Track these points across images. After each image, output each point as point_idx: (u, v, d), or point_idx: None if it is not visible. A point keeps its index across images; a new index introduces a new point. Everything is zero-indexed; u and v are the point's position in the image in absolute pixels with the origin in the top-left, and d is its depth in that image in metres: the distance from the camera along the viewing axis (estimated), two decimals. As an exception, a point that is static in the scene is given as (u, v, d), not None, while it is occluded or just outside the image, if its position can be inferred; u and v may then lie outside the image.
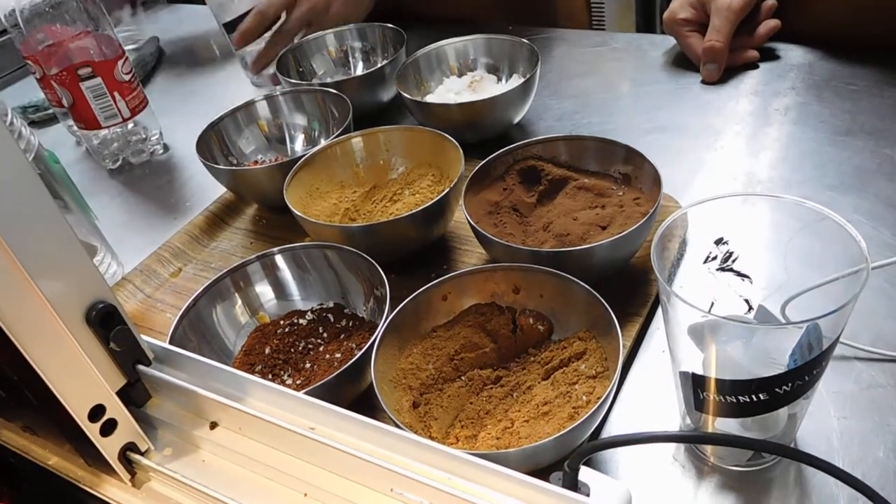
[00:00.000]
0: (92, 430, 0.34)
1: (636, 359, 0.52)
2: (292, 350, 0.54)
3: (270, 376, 0.52)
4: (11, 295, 0.30)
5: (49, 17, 0.74)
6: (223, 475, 0.35)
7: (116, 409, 0.35)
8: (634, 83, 0.84)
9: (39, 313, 0.31)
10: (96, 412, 0.34)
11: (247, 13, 0.88)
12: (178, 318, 0.51)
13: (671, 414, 0.47)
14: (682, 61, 0.84)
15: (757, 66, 0.80)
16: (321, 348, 0.54)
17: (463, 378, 0.50)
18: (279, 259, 0.56)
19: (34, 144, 0.57)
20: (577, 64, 0.89)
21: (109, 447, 0.35)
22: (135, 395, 0.37)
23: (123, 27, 1.22)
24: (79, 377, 0.33)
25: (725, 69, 0.79)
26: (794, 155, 0.68)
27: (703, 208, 0.42)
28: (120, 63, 0.77)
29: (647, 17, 1.88)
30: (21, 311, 0.31)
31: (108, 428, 0.35)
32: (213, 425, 0.37)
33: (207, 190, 0.77)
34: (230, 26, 0.90)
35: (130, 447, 0.36)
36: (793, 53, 0.81)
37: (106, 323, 0.34)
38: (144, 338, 0.37)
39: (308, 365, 0.53)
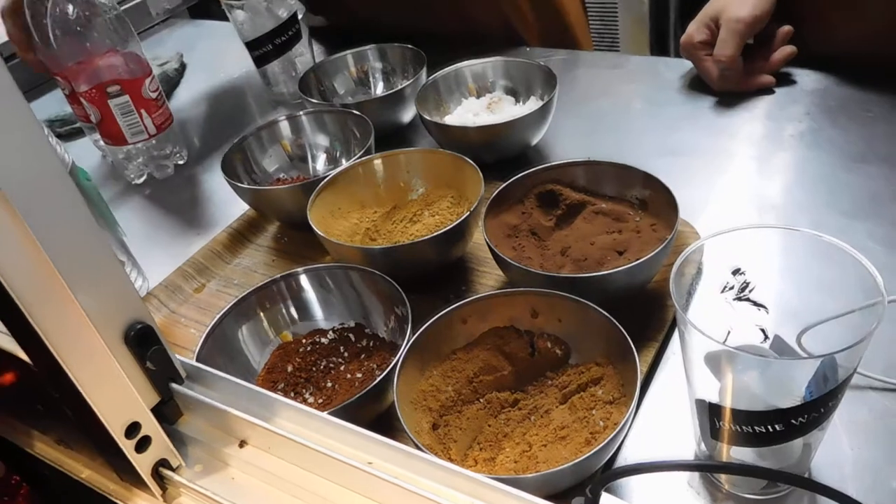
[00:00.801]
0: (127, 447, 0.35)
1: (651, 383, 0.53)
2: (314, 368, 0.55)
3: (292, 394, 0.54)
4: (57, 315, 0.32)
5: (79, 35, 0.76)
6: (252, 493, 0.36)
7: (151, 426, 0.36)
8: (650, 105, 0.85)
9: (82, 332, 0.33)
10: (132, 429, 0.35)
11: (269, 32, 0.90)
12: (204, 335, 0.53)
13: (686, 439, 0.48)
14: (697, 84, 0.85)
15: (772, 91, 0.81)
16: (342, 367, 0.55)
17: (481, 400, 0.51)
18: (304, 279, 0.58)
19: (68, 161, 0.59)
20: (593, 85, 0.91)
21: (143, 463, 0.36)
22: (167, 412, 0.38)
23: (148, 42, 1.24)
24: (117, 395, 0.34)
25: (740, 94, 0.80)
26: (808, 180, 0.69)
27: (720, 238, 0.43)
28: (147, 81, 0.79)
29: (661, 37, 1.90)
30: (66, 331, 0.32)
31: (143, 444, 0.36)
32: (243, 443, 0.38)
33: (230, 206, 0.79)
34: (253, 45, 0.92)
35: (162, 463, 0.37)
36: (808, 78, 0.82)
37: (143, 343, 0.35)
38: (176, 356, 0.39)
39: (329, 384, 0.54)
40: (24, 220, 0.30)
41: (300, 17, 0.91)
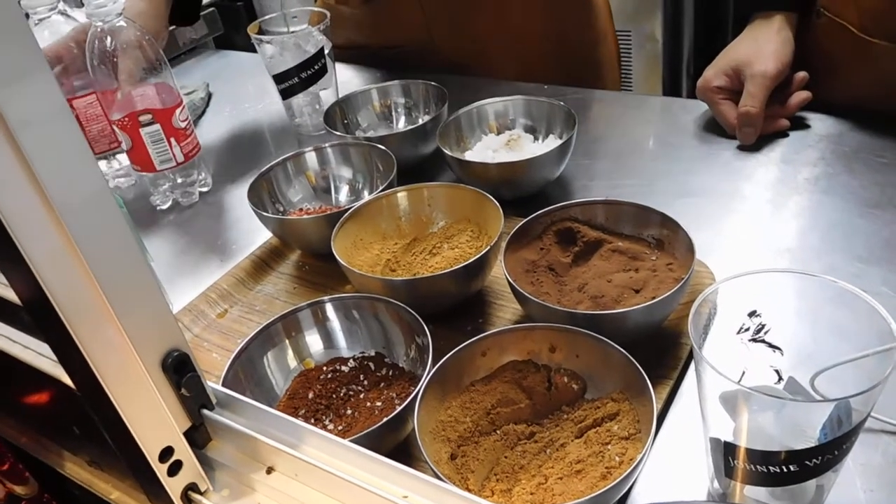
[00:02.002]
0: (161, 471, 0.36)
1: (665, 420, 0.54)
2: (334, 396, 0.56)
3: (313, 420, 0.55)
4: (102, 339, 0.33)
5: (115, 66, 0.79)
6: (278, 519, 0.37)
7: (183, 451, 0.37)
8: (666, 146, 0.87)
9: (124, 357, 0.34)
10: (166, 453, 0.36)
11: (296, 66, 0.93)
12: (231, 360, 0.54)
13: (699, 476, 0.49)
14: (713, 126, 0.86)
15: (787, 135, 0.83)
16: (362, 395, 0.56)
17: (498, 432, 0.52)
18: (329, 307, 0.59)
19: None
20: (610, 125, 0.92)
21: (174, 487, 0.37)
22: (198, 437, 0.39)
23: (175, 71, 1.27)
24: (153, 419, 0.36)
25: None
26: (823, 225, 0.70)
27: (737, 281, 0.44)
28: (178, 111, 0.82)
29: (674, 76, 1.93)
30: (109, 355, 0.33)
31: (175, 468, 0.37)
32: (270, 470, 0.39)
33: (253, 233, 0.81)
34: (280, 78, 0.94)
35: (192, 487, 0.38)
36: (822, 124, 0.84)
37: (179, 369, 0.36)
38: (208, 383, 0.40)
39: (349, 411, 0.55)
40: (75, 244, 0.31)
41: (327, 52, 0.94)
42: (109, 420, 0.35)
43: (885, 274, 0.62)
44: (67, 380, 0.36)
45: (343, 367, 0.58)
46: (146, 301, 0.35)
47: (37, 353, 0.38)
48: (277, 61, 0.93)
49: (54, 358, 0.36)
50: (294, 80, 0.94)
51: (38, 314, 0.32)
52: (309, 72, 0.93)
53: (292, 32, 0.92)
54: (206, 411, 0.39)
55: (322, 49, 0.93)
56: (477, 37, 1.05)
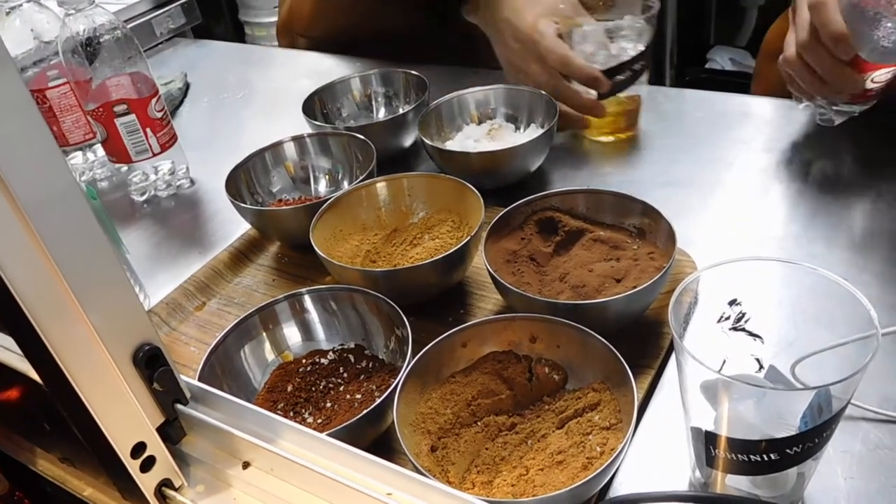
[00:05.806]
0: (133, 467, 0.35)
1: (646, 410, 0.54)
2: (313, 389, 0.56)
3: (292, 414, 0.54)
4: (70, 334, 0.32)
5: (88, 55, 0.77)
6: (254, 514, 0.37)
7: (156, 446, 0.36)
8: (648, 135, 0.86)
9: (93, 352, 0.33)
10: (138, 449, 0.36)
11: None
12: (207, 353, 0.53)
13: (681, 465, 0.49)
14: (696, 116, 0.86)
15: (770, 124, 0.83)
16: (341, 388, 0.55)
17: (479, 424, 0.51)
18: (307, 299, 0.58)
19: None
20: (592, 114, 0.92)
21: (147, 483, 0.36)
22: (172, 432, 0.39)
23: (153, 61, 1.25)
24: (124, 415, 0.35)
25: (734, 125, 0.81)
26: (805, 213, 0.70)
27: (718, 269, 0.44)
28: (154, 101, 0.80)
29: (657, 65, 1.93)
30: (77, 350, 0.33)
31: (148, 464, 0.36)
32: (246, 465, 0.38)
33: (232, 225, 0.80)
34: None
35: (166, 483, 0.38)
36: (804, 112, 0.84)
37: (151, 364, 0.36)
38: (182, 377, 0.39)
39: (329, 404, 0.54)
40: (40, 238, 0.31)
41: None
42: (79, 416, 0.34)
43: (866, 262, 0.62)
44: (35, 375, 0.35)
45: (322, 360, 0.58)
46: (115, 295, 0.34)
47: (2, 348, 0.37)
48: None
49: (21, 353, 0.35)
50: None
51: (1, 308, 0.32)
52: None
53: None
54: (179, 406, 0.39)
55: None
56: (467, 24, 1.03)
